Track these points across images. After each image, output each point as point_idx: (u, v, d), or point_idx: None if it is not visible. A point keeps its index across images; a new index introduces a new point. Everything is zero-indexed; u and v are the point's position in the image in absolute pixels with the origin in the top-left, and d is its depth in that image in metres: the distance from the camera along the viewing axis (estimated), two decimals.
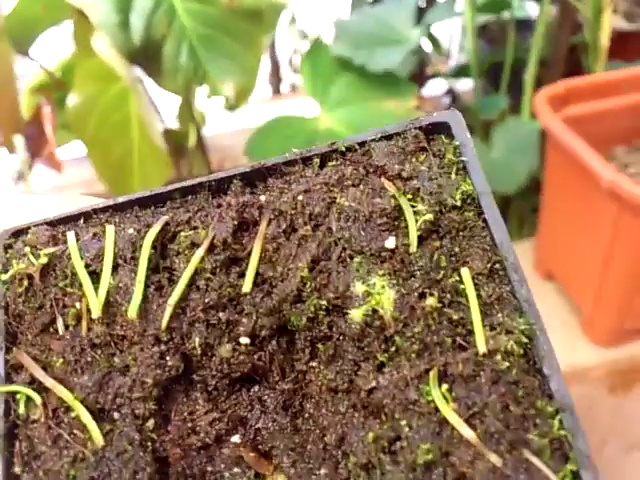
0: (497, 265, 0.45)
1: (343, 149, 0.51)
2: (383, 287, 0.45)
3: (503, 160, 1.44)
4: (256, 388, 0.50)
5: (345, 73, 1.37)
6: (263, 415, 0.49)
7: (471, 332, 0.44)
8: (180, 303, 0.48)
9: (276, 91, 2.23)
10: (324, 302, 0.47)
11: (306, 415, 0.49)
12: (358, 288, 0.46)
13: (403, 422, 0.43)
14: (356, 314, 0.45)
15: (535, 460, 0.40)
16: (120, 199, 0.53)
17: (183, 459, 0.48)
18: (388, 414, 0.43)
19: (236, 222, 0.49)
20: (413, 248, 0.46)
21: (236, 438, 0.48)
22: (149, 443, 0.48)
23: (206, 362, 0.49)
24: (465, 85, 1.86)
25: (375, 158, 0.50)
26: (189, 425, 0.49)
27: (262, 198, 0.51)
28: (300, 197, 0.49)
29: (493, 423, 0.41)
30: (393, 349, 0.45)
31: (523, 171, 1.41)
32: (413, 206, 0.47)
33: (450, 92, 1.94)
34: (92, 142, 1.39)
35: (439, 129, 0.50)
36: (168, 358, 0.48)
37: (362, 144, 0.51)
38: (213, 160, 1.72)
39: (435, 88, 1.99)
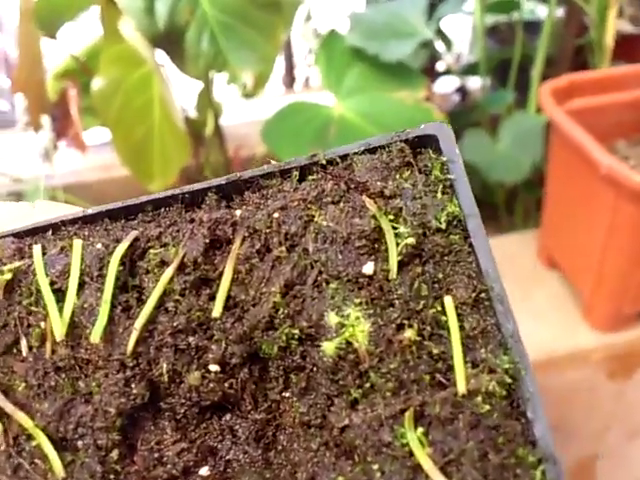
0: (483, 294, 0.42)
1: (324, 162, 0.48)
2: (358, 318, 0.42)
3: (509, 152, 1.49)
4: (228, 417, 0.47)
5: (359, 63, 1.43)
6: (234, 446, 0.46)
7: (452, 368, 0.40)
8: (148, 326, 0.45)
9: (290, 87, 2.29)
10: (296, 331, 0.43)
11: (279, 448, 0.46)
12: (331, 319, 0.42)
13: (375, 466, 0.39)
14: (328, 347, 0.42)
15: None
16: (90, 210, 0.50)
17: None
18: (360, 456, 0.40)
19: (208, 240, 0.46)
20: (393, 274, 0.43)
21: (205, 470, 0.45)
22: (112, 476, 0.45)
23: (174, 389, 0.46)
24: (475, 83, 1.91)
25: (357, 173, 0.47)
26: (156, 455, 0.46)
27: (237, 213, 0.47)
28: (276, 214, 0.46)
29: (470, 472, 0.38)
30: (368, 385, 0.41)
31: (528, 162, 1.46)
32: (395, 227, 0.44)
33: (460, 90, 2.00)
34: (115, 124, 1.44)
35: (426, 143, 0.47)
36: (133, 385, 0.45)
37: (344, 157, 0.48)
38: (229, 149, 1.77)
39: (446, 85, 2.04)
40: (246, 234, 0.46)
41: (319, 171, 0.48)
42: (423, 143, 0.47)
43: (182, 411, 0.46)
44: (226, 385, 0.46)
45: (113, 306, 0.46)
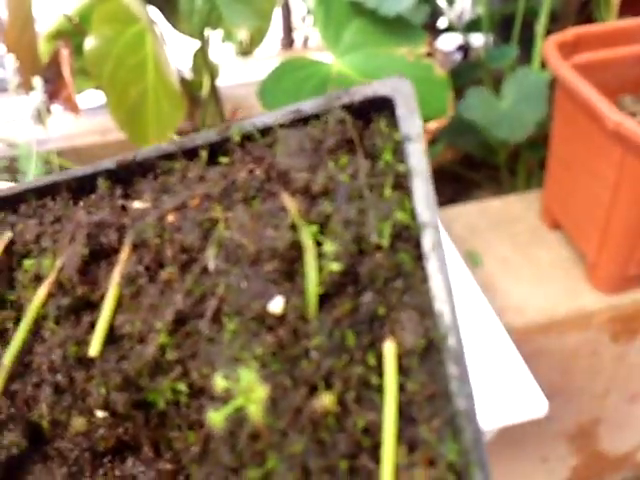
0: (437, 343, 0.31)
1: (238, 139, 0.37)
2: (252, 383, 0.31)
3: (512, 110, 1.46)
4: (129, 463, 0.39)
5: (357, 18, 1.39)
6: None
7: (379, 450, 0.30)
8: (23, 357, 0.38)
9: (289, 48, 2.26)
10: (183, 386, 0.35)
11: None
12: (218, 383, 0.32)
13: None
14: (215, 417, 0.31)
15: None
16: None
17: None
18: None
19: (87, 250, 0.38)
20: (311, 313, 0.32)
21: None
22: None
23: (61, 432, 0.39)
24: (477, 40, 1.88)
25: (279, 156, 0.36)
26: None
27: (127, 212, 0.39)
28: (170, 217, 0.37)
29: None
30: (269, 465, 0.31)
31: (532, 120, 1.43)
32: (319, 243, 0.33)
33: (462, 47, 1.96)
34: (108, 85, 1.41)
35: (379, 108, 0.36)
36: (6, 433, 0.39)
37: (266, 131, 0.37)
38: (226, 110, 1.74)
39: (448, 43, 2.00)
40: (135, 244, 0.37)
41: (235, 150, 0.38)
42: (375, 108, 0.36)
43: (73, 456, 0.39)
44: (120, 430, 0.38)
45: None
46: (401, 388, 0.30)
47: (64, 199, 0.41)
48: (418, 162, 0.33)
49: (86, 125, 1.86)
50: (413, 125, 0.34)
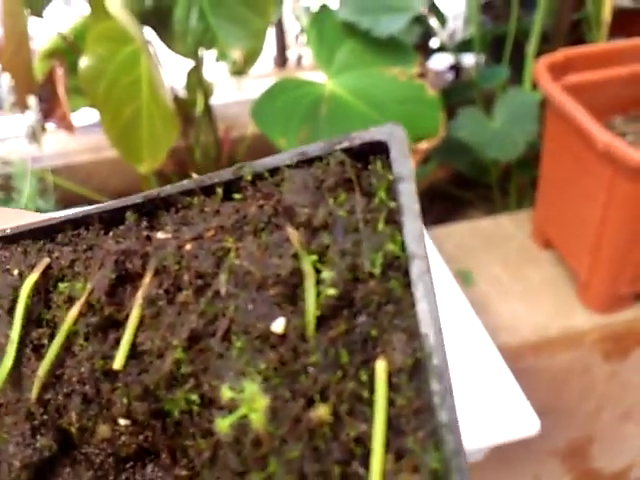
0: (424, 362, 0.33)
1: (249, 178, 0.40)
2: (254, 394, 0.35)
3: (503, 129, 1.47)
4: (149, 469, 0.42)
5: (350, 39, 1.40)
6: None
7: (369, 458, 0.33)
8: (56, 370, 0.41)
9: (282, 67, 2.27)
10: (195, 397, 0.38)
11: None
12: (224, 393, 0.36)
13: None
14: (222, 424, 0.35)
15: None
16: (9, 230, 0.46)
17: None
18: None
19: (114, 276, 0.41)
20: (309, 333, 0.35)
21: None
22: None
23: (88, 438, 0.42)
24: (469, 60, 1.89)
25: (285, 193, 0.38)
26: None
27: (151, 241, 0.42)
28: (188, 246, 0.40)
29: None
30: (271, 469, 0.35)
31: (523, 140, 1.44)
32: (319, 271, 0.36)
33: (454, 67, 1.98)
34: (103, 104, 1.42)
35: (376, 151, 0.39)
36: (39, 437, 0.42)
37: (275, 171, 0.40)
38: (220, 129, 1.75)
39: (440, 62, 2.02)
40: (156, 269, 0.40)
41: (247, 187, 0.40)
42: (372, 151, 0.38)
43: (98, 461, 0.42)
44: (140, 438, 0.41)
45: (24, 345, 0.42)
46: (390, 403, 0.33)
47: (96, 229, 0.44)
48: (408, 200, 0.36)
49: (80, 143, 1.86)
50: (405, 167, 0.36)
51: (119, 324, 0.41)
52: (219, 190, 0.41)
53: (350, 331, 0.34)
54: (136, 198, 0.43)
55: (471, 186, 1.81)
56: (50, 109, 1.52)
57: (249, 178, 0.40)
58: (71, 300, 0.42)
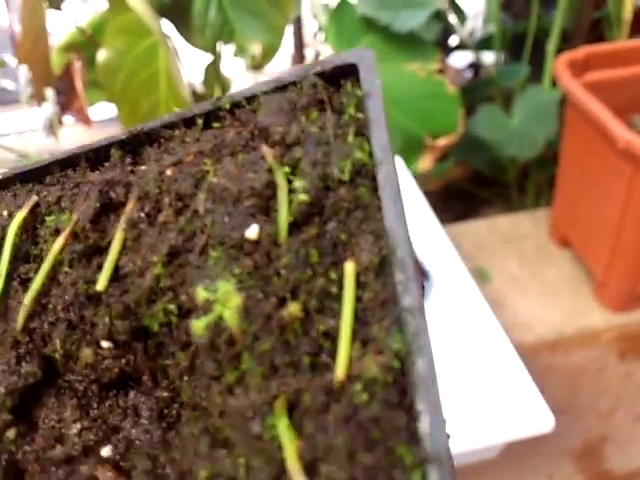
0: (389, 258, 0.35)
1: (228, 107, 0.42)
2: (228, 293, 0.37)
3: (522, 127, 1.47)
4: (132, 394, 0.43)
5: (370, 34, 1.40)
6: (137, 425, 0.43)
7: (337, 350, 0.34)
8: (41, 299, 0.43)
9: (300, 63, 2.27)
10: (173, 307, 0.39)
11: (179, 428, 0.41)
12: (199, 294, 0.37)
13: (242, 460, 0.34)
14: (197, 326, 0.37)
15: None
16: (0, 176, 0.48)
17: (40, 474, 0.43)
18: (230, 448, 0.35)
19: (98, 204, 0.43)
20: (282, 238, 0.37)
21: (106, 450, 0.42)
22: (5, 455, 0.42)
23: (71, 366, 0.43)
24: (489, 58, 1.89)
25: (261, 116, 0.41)
26: (56, 435, 0.43)
27: (134, 172, 0.44)
28: (169, 172, 0.42)
29: (336, 473, 0.31)
30: (244, 367, 0.36)
31: (542, 138, 1.43)
32: (291, 182, 0.38)
33: (473, 65, 1.97)
34: (120, 97, 1.42)
35: (347, 74, 0.40)
36: (24, 364, 0.43)
37: (252, 98, 0.42)
38: None
39: (459, 60, 2.01)
40: (140, 195, 0.42)
41: (226, 117, 0.43)
42: (343, 75, 0.41)
43: (82, 388, 0.43)
44: (123, 362, 0.42)
45: (11, 278, 0.44)
46: (358, 299, 0.35)
47: (83, 169, 0.46)
48: (375, 113, 0.38)
49: (97, 137, 1.85)
50: (373, 84, 0.39)
51: (102, 250, 0.42)
52: (199, 121, 0.43)
53: (320, 236, 0.37)
54: (120, 135, 0.45)
55: (489, 184, 1.80)
56: (67, 102, 1.52)
57: (227, 107, 0.42)
58: (58, 232, 0.44)
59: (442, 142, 1.41)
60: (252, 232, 0.37)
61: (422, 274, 1.23)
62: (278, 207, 0.37)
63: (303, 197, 0.37)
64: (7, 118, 1.94)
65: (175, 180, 0.41)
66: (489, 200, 1.81)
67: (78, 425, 0.43)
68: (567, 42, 1.64)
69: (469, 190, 1.80)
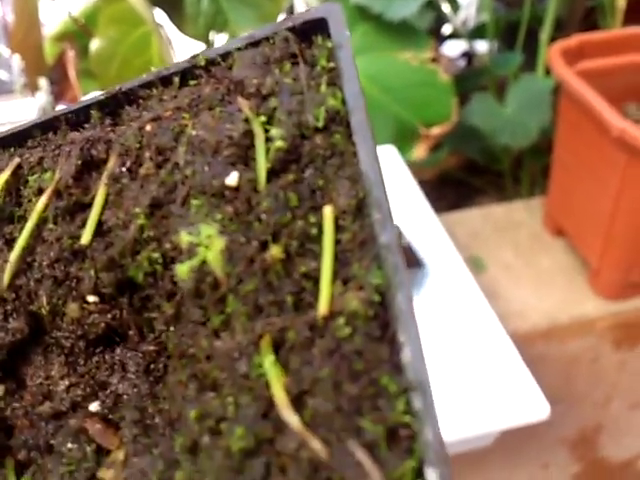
0: (366, 200, 0.36)
1: (203, 64, 0.43)
2: (210, 237, 0.38)
3: (516, 116, 1.47)
4: (118, 350, 0.44)
5: (363, 23, 1.40)
6: (124, 380, 0.43)
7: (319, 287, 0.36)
8: (27, 257, 0.44)
9: None
10: (157, 255, 0.40)
11: (166, 380, 0.42)
12: (183, 239, 0.38)
13: (230, 399, 0.35)
14: (181, 270, 0.38)
15: (359, 454, 0.31)
16: None
17: (29, 429, 0.43)
18: (219, 389, 0.36)
19: (80, 161, 0.43)
20: (261, 185, 0.38)
21: (95, 405, 0.43)
22: None
23: (58, 322, 0.44)
24: (482, 47, 1.88)
25: (236, 71, 0.42)
26: (44, 391, 0.44)
27: (114, 130, 0.44)
28: (148, 127, 0.42)
29: (322, 404, 0.32)
30: (229, 310, 0.37)
31: (535, 126, 1.43)
32: (267, 130, 0.39)
33: (466, 54, 1.96)
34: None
35: (316, 28, 0.41)
36: (11, 320, 0.44)
37: (226, 55, 0.43)
38: None
39: (452, 49, 2.01)
40: (119, 152, 0.43)
41: (202, 74, 0.44)
42: (313, 29, 0.42)
43: (68, 345, 0.44)
44: (108, 316, 0.43)
45: None
46: (337, 242, 0.36)
47: (63, 131, 0.47)
48: (346, 63, 0.39)
49: None
50: (342, 35, 0.40)
51: (86, 207, 0.43)
52: (176, 79, 0.44)
53: (299, 182, 0.38)
54: (99, 96, 0.45)
55: (483, 173, 1.80)
56: (61, 92, 1.52)
57: (203, 64, 0.44)
58: (41, 192, 0.44)
59: (436, 131, 1.40)
60: (232, 179, 0.38)
61: (417, 263, 1.23)
62: (256, 154, 0.38)
63: (280, 144, 0.38)
64: (1, 108, 1.94)
65: (154, 135, 0.42)
66: (483, 189, 1.81)
67: (66, 382, 0.43)
68: (560, 31, 1.64)
69: (463, 179, 1.81)
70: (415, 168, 1.48)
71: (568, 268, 1.42)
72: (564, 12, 1.67)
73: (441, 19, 1.79)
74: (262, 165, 0.38)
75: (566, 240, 1.46)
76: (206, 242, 0.37)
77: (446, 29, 1.89)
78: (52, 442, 0.42)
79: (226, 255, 0.37)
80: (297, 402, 0.33)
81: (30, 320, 0.44)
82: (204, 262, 0.37)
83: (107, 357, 0.44)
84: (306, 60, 0.41)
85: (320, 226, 0.36)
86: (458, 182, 1.81)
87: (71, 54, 1.46)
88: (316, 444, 0.31)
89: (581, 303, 1.35)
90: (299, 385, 0.33)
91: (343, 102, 0.39)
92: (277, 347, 0.35)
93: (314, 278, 0.36)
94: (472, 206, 1.67)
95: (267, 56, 0.42)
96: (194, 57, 0.43)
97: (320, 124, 0.38)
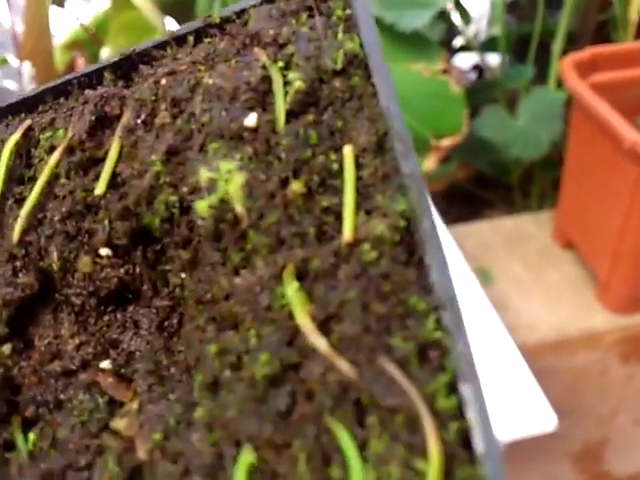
0: (386, 137, 0.37)
1: (218, 21, 0.44)
2: (230, 172, 0.37)
3: (527, 128, 1.46)
4: (131, 308, 0.44)
5: None
6: (136, 337, 0.43)
7: (342, 219, 0.36)
8: (37, 214, 0.43)
9: None
10: (174, 198, 0.40)
11: (181, 334, 0.42)
12: (202, 175, 0.38)
13: (252, 332, 0.35)
14: (200, 206, 0.37)
15: (392, 369, 0.31)
16: None
17: (37, 386, 0.43)
18: (239, 325, 0.36)
19: (94, 117, 0.43)
20: (280, 125, 0.38)
21: (106, 363, 0.42)
22: (1, 369, 0.43)
23: (69, 279, 0.43)
24: (493, 60, 1.88)
25: (251, 25, 0.42)
26: (53, 350, 0.43)
27: (128, 87, 0.45)
28: (163, 81, 0.42)
29: (350, 326, 0.32)
30: (249, 246, 0.37)
31: (547, 139, 1.43)
32: (285, 75, 0.39)
33: (477, 67, 1.96)
34: None
35: None
36: (21, 275, 0.43)
37: (241, 13, 0.44)
38: None
39: (463, 61, 2.00)
40: (134, 107, 0.43)
41: (216, 33, 0.44)
42: None
43: (79, 302, 0.43)
44: (121, 271, 0.43)
45: (5, 198, 0.45)
46: (359, 179, 0.36)
47: (76, 95, 0.46)
48: (363, 11, 0.40)
49: None
50: None
51: (99, 161, 0.43)
52: (190, 38, 0.44)
53: (318, 123, 0.38)
54: (113, 58, 0.46)
55: (491, 186, 1.79)
56: None
57: (217, 22, 0.44)
58: (53, 150, 0.44)
59: (446, 142, 1.40)
60: (251, 120, 0.38)
61: None
62: (275, 96, 0.38)
63: (299, 84, 0.38)
64: None
65: (170, 87, 0.42)
66: (492, 202, 1.80)
67: (76, 340, 0.43)
68: (573, 44, 1.64)
69: (472, 192, 1.80)
70: (425, 180, 1.47)
71: (577, 281, 1.41)
72: (576, 25, 1.67)
73: (452, 31, 1.78)
74: (281, 107, 0.38)
75: (575, 253, 1.45)
76: (226, 177, 0.37)
77: (457, 41, 1.88)
78: (61, 397, 0.42)
79: (246, 190, 0.37)
80: (323, 328, 0.33)
81: (40, 277, 0.44)
82: (223, 199, 0.37)
83: (119, 315, 0.44)
84: (322, 11, 0.42)
85: (341, 163, 0.36)
86: (467, 195, 1.81)
87: (81, 62, 1.46)
88: (344, 365, 0.32)
89: (590, 316, 1.34)
90: (325, 310, 0.33)
91: (361, 46, 0.39)
92: (300, 278, 0.35)
93: (336, 212, 0.36)
94: (481, 219, 1.67)
95: (283, 10, 0.42)
96: (208, 17, 0.44)
97: (339, 67, 0.38)
